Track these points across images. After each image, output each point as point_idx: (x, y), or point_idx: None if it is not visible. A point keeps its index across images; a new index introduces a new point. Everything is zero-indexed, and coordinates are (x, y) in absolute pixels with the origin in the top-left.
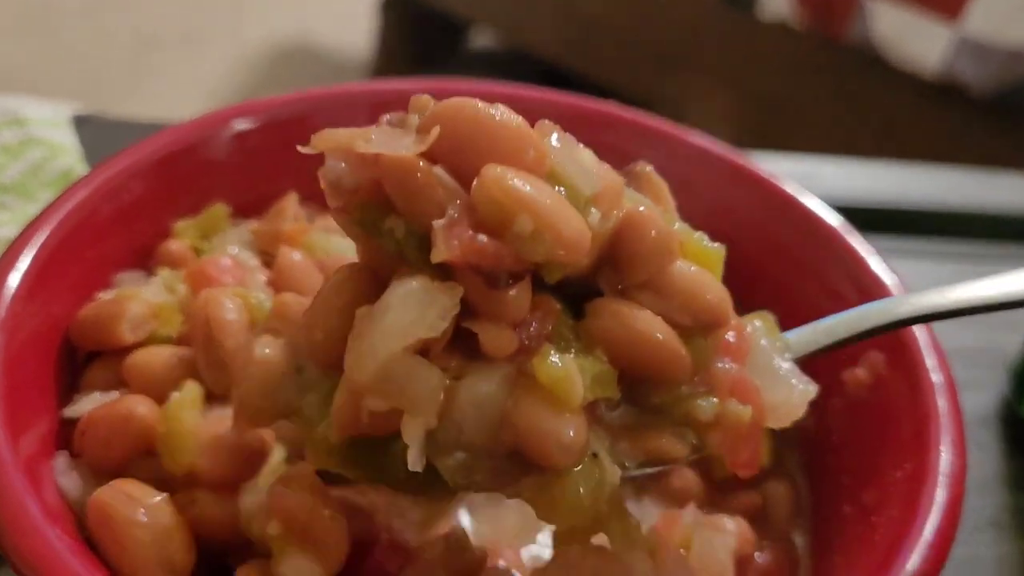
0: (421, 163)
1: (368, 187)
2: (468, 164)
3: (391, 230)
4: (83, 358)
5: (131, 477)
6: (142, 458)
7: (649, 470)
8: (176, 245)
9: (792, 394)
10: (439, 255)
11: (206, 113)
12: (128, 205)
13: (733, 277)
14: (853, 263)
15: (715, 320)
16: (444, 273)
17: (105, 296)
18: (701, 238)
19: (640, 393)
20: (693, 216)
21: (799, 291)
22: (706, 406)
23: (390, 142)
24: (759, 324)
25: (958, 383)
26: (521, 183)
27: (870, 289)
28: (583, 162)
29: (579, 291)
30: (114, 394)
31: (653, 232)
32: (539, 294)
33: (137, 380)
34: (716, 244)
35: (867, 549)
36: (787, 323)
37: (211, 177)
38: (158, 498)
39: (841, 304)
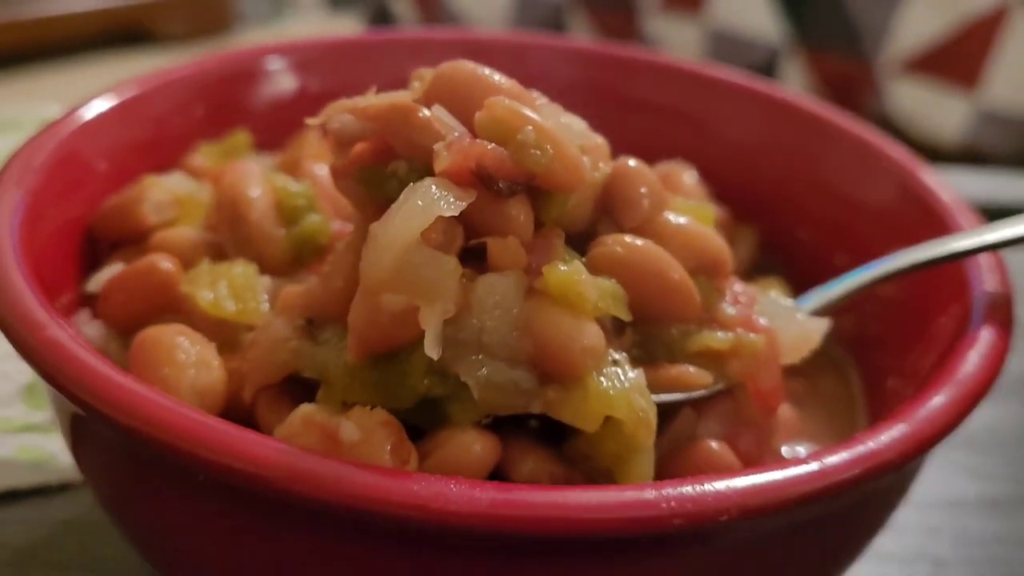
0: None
1: (370, 141)
2: (466, 109)
3: (394, 172)
4: (106, 253)
5: None
6: (164, 315)
7: (674, 397)
8: (199, 160)
9: (806, 326)
10: (441, 164)
11: (243, 47)
12: (155, 118)
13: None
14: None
15: (716, 261)
16: None
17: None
18: (686, 201)
19: (650, 332)
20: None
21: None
22: (721, 336)
23: (390, 95)
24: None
25: None
26: (525, 108)
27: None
28: (573, 125)
29: (578, 244)
30: None
31: (643, 178)
32: (541, 228)
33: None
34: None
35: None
36: None
37: (239, 108)
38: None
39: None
